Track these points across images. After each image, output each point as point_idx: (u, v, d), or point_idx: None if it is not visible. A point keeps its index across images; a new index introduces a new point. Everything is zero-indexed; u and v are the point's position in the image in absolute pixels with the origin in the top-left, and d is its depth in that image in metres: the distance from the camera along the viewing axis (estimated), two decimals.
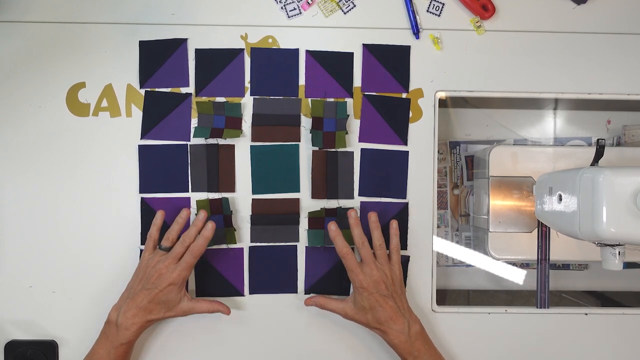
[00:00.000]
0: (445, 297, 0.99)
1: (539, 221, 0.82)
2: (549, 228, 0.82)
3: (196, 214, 0.78)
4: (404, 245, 0.81)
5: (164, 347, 0.80)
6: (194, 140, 0.80)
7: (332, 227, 0.76)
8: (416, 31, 0.81)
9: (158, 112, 0.80)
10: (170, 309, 0.73)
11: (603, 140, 0.72)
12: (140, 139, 0.80)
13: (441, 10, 0.82)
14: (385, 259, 0.76)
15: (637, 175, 0.61)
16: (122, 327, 0.71)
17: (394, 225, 0.78)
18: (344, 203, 0.81)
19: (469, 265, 0.98)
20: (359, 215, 0.80)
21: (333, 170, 0.81)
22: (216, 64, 0.80)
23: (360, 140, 0.81)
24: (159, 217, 0.78)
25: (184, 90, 0.80)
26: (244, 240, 0.81)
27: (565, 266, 0.99)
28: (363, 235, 0.76)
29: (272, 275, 0.81)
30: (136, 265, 0.77)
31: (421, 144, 0.82)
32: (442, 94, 0.82)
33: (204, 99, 0.80)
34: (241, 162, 0.80)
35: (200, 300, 0.76)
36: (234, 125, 0.80)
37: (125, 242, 0.79)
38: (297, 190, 0.81)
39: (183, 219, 0.77)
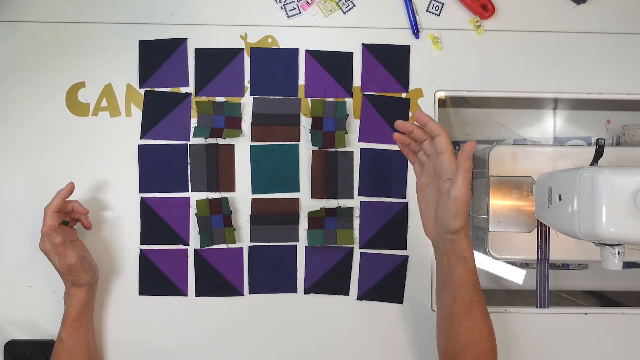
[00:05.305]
0: None
1: (539, 221, 0.82)
2: (549, 228, 0.82)
3: (196, 214, 0.79)
4: (403, 245, 0.81)
5: (164, 348, 0.80)
6: (194, 140, 0.80)
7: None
8: (416, 31, 0.81)
9: (158, 112, 0.80)
10: (69, 267, 0.70)
11: (603, 140, 0.72)
12: (140, 139, 0.80)
13: (441, 10, 0.82)
14: None
15: (637, 175, 0.61)
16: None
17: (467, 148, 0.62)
18: (344, 203, 0.81)
19: None
20: (359, 213, 0.80)
21: (333, 170, 0.81)
22: (216, 64, 0.80)
23: (360, 140, 0.81)
24: (55, 201, 0.72)
25: (184, 90, 0.80)
26: (244, 240, 0.81)
27: (565, 266, 0.99)
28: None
29: (272, 275, 0.81)
30: (136, 265, 0.78)
31: None
32: (442, 94, 0.82)
33: (204, 99, 0.80)
34: (241, 162, 0.80)
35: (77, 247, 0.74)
36: (234, 125, 0.80)
37: (125, 242, 0.79)
38: (297, 190, 0.81)
39: (64, 193, 0.72)
